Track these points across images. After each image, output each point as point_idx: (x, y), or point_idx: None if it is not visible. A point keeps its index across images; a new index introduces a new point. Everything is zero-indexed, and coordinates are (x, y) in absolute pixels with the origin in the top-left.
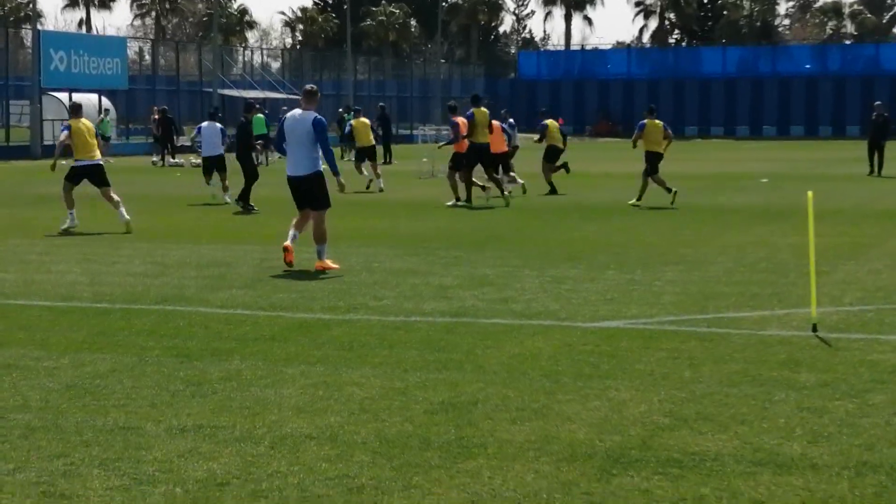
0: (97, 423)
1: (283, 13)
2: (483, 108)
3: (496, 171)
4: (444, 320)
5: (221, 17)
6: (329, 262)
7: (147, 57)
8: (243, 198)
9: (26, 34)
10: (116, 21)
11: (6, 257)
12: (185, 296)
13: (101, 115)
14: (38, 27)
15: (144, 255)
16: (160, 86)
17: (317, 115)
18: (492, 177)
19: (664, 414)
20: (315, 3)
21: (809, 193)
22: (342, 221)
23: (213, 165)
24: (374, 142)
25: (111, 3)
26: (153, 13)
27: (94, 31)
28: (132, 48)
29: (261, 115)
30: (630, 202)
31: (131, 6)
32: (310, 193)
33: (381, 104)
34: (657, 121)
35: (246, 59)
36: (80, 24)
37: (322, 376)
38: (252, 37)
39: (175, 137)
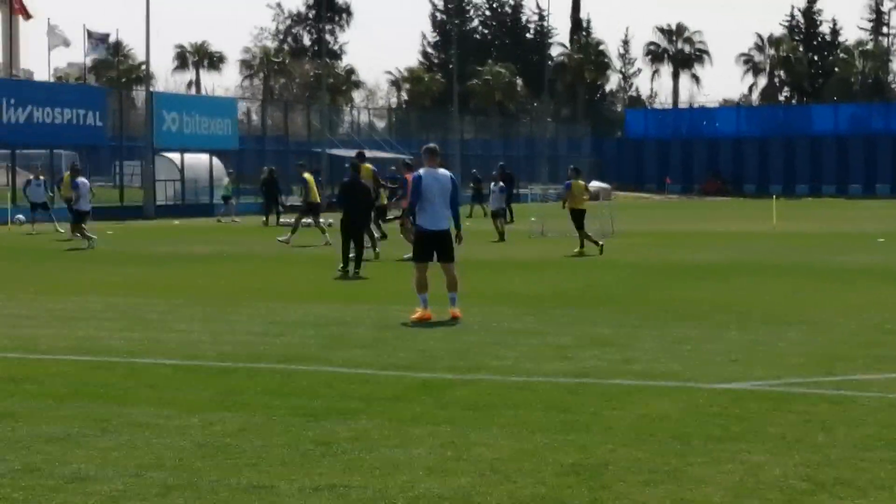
0: (231, 482)
1: (389, 73)
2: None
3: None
4: (567, 381)
5: (329, 78)
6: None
7: (256, 117)
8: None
9: (138, 95)
10: (225, 82)
11: (129, 316)
12: (306, 355)
13: (228, 178)
14: (151, 88)
15: (263, 315)
16: (269, 146)
17: (451, 173)
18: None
19: (801, 478)
20: (421, 63)
21: None
22: (459, 281)
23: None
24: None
25: (220, 65)
26: (261, 74)
27: (204, 92)
28: (241, 108)
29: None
30: (574, 251)
31: (240, 67)
32: (445, 247)
33: (501, 164)
34: (580, 181)
35: (353, 118)
36: (189, 85)
37: (450, 436)
38: (359, 96)
39: (280, 197)
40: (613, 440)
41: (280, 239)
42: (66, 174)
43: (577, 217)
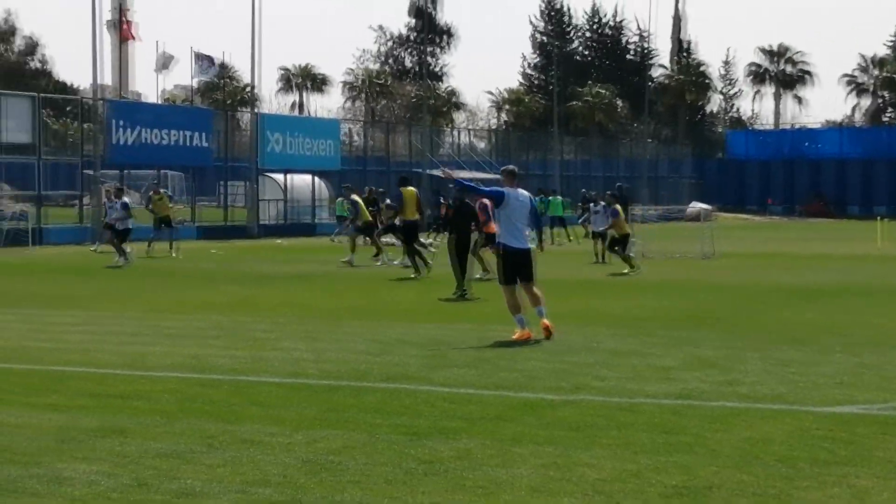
0: (335, 499)
1: (490, 93)
2: (410, 188)
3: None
4: (670, 402)
5: (430, 99)
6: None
7: (358, 138)
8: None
9: (243, 116)
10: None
11: (236, 334)
12: (408, 374)
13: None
14: (256, 110)
15: (365, 333)
16: (371, 166)
17: (529, 194)
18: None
19: None
20: (522, 84)
21: None
22: (561, 302)
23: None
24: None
25: (324, 87)
26: (364, 96)
27: (308, 114)
28: (344, 130)
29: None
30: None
31: (343, 89)
32: (527, 266)
33: (618, 184)
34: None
35: (454, 139)
36: (293, 107)
37: (553, 457)
38: (460, 118)
39: (380, 217)
40: (718, 462)
41: (343, 261)
42: (152, 194)
43: (622, 242)
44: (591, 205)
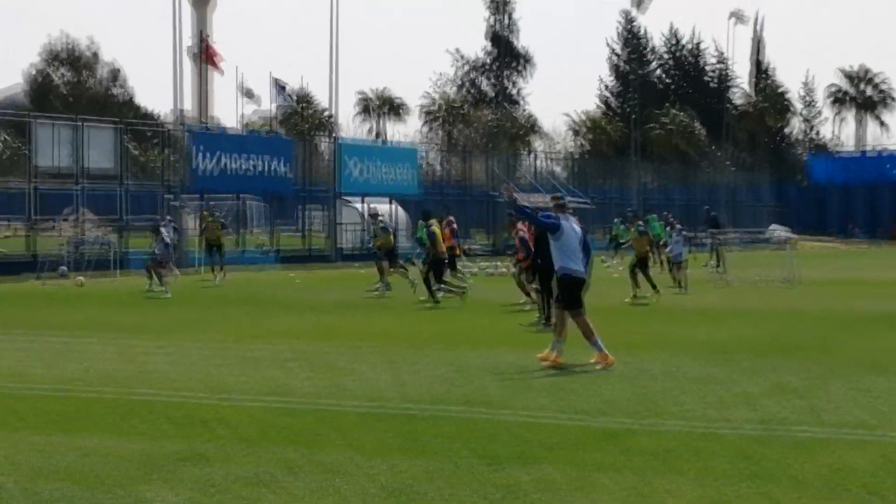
0: None
1: (568, 115)
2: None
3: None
4: (753, 430)
5: (509, 125)
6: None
7: (436, 164)
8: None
9: (322, 142)
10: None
11: (315, 361)
12: (488, 400)
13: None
14: (335, 136)
15: (444, 360)
16: (449, 192)
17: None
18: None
19: None
20: (599, 108)
21: None
22: (640, 328)
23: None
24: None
25: (402, 113)
26: (442, 121)
27: (385, 139)
28: (422, 156)
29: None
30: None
31: (420, 115)
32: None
33: (706, 207)
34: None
35: (532, 165)
36: (371, 133)
37: (634, 484)
38: (538, 143)
39: (460, 244)
40: (803, 492)
41: (373, 289)
42: (205, 214)
43: (643, 262)
44: (670, 230)
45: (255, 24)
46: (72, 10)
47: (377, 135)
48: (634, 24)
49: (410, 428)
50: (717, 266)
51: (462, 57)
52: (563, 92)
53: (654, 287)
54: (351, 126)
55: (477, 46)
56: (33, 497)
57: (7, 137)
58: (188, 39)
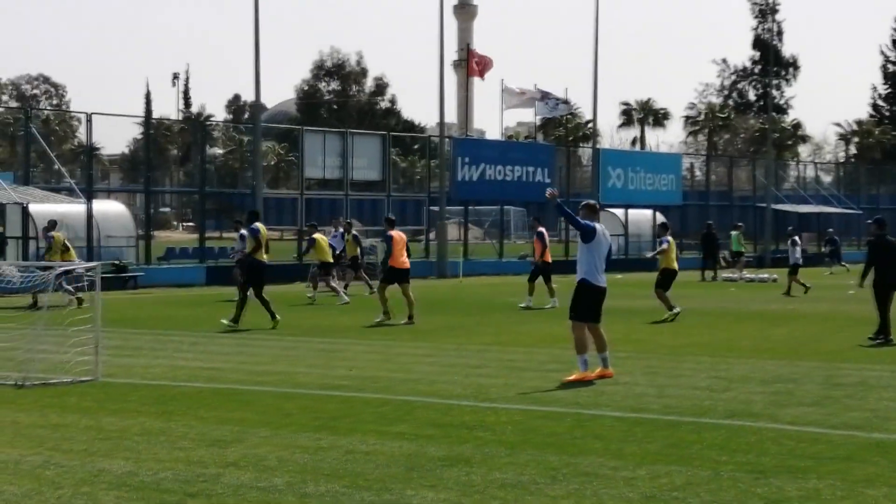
0: None
1: (838, 124)
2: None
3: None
4: None
5: (774, 132)
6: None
7: (699, 173)
8: None
9: (584, 152)
10: (669, 138)
11: (573, 367)
12: (753, 411)
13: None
14: (597, 145)
15: (708, 369)
16: (712, 201)
17: None
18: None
19: None
20: (871, 116)
21: None
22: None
23: None
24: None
25: (665, 121)
26: (705, 129)
27: (648, 149)
28: (685, 164)
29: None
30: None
31: (684, 123)
32: (601, 305)
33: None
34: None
35: (798, 172)
36: (633, 142)
37: None
38: (805, 150)
39: (719, 252)
40: None
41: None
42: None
43: (670, 277)
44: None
45: (517, 33)
46: (340, 26)
47: (640, 143)
48: None
49: (673, 436)
50: None
51: (728, 66)
52: (833, 98)
53: (669, 309)
54: (614, 136)
55: (743, 55)
56: (302, 495)
57: (281, 151)
58: (454, 53)
